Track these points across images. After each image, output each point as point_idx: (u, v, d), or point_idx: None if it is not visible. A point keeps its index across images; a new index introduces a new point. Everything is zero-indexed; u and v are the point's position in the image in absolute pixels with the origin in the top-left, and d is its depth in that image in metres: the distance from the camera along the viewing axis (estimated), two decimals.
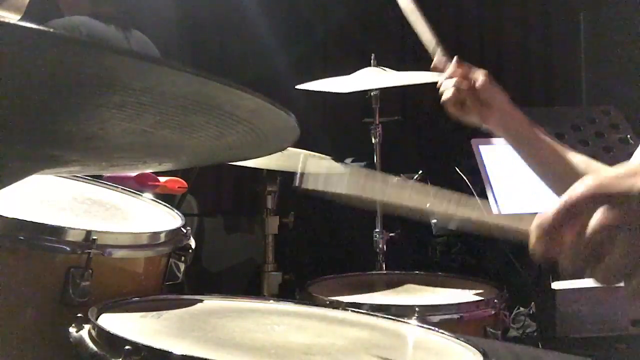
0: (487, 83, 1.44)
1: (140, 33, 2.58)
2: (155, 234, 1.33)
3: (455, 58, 1.49)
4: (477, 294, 1.76)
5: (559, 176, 1.41)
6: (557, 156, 1.43)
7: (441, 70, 1.49)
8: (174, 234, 1.37)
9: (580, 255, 0.72)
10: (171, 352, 0.88)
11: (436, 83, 1.52)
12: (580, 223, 0.72)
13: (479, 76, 1.45)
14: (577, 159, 1.42)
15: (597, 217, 0.71)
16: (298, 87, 2.21)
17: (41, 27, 0.43)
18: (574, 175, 1.33)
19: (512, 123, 1.46)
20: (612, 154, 2.52)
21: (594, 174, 0.74)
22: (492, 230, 0.92)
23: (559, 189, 1.39)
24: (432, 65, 1.51)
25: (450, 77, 1.46)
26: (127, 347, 0.89)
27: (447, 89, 1.46)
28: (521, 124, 1.46)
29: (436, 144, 3.10)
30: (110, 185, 1.58)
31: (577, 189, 0.74)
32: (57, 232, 1.17)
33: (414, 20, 1.54)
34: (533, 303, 2.59)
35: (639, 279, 0.70)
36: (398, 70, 2.30)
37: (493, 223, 0.94)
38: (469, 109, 1.45)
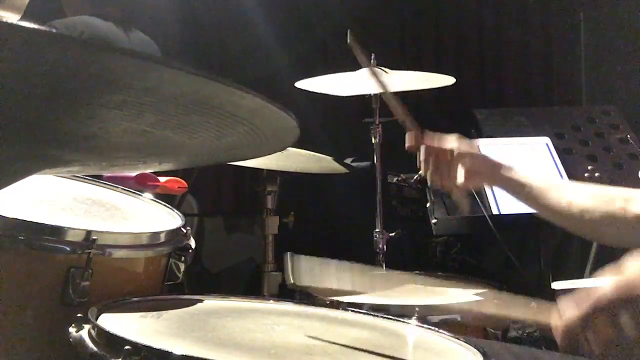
0: (460, 152, 1.40)
1: (142, 33, 2.58)
2: (155, 234, 1.33)
3: (424, 136, 1.44)
4: (477, 294, 1.76)
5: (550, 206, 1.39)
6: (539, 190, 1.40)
7: (416, 149, 1.46)
8: (174, 234, 1.37)
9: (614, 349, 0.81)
10: (171, 352, 0.88)
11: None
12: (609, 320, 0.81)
13: (452, 145, 1.42)
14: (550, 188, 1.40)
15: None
16: (298, 84, 2.20)
17: (41, 27, 0.44)
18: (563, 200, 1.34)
19: (497, 175, 1.42)
20: (612, 154, 2.52)
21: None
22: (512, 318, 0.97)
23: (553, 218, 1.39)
24: (406, 147, 1.47)
25: (426, 156, 1.44)
26: (126, 347, 0.89)
27: (426, 167, 1.44)
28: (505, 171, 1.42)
29: None
30: (110, 185, 1.57)
31: (606, 291, 0.82)
32: (57, 232, 1.17)
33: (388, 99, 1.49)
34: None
35: None
36: (398, 70, 2.29)
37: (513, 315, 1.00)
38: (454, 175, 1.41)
